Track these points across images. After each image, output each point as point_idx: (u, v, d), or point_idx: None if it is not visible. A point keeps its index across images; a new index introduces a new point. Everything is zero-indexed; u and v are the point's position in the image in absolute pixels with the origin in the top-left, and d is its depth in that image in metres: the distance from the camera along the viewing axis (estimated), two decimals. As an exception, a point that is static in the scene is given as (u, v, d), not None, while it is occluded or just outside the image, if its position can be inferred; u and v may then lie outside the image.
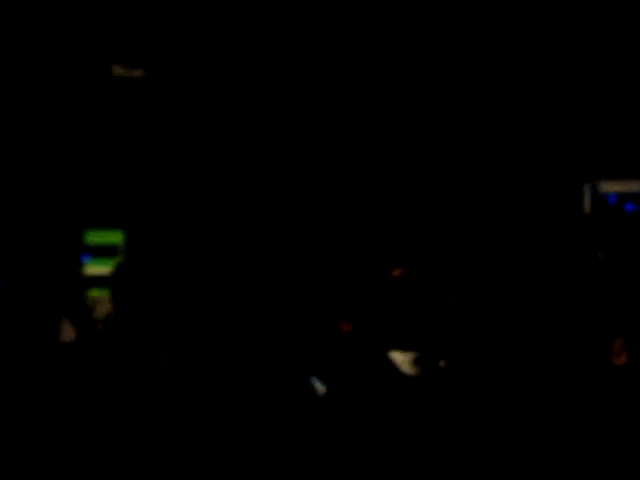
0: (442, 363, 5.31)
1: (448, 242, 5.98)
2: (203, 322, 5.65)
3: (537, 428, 4.80)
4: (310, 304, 5.71)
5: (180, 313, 5.71)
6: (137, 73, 5.62)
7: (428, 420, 4.93)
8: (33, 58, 5.51)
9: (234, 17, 5.81)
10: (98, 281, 5.92)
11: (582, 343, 5.31)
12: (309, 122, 6.13)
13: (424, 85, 6.15)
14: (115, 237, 5.94)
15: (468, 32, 6.08)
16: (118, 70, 5.60)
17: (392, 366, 5.31)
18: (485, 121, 6.15)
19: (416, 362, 5.47)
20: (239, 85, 5.97)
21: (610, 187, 6.16)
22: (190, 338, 5.56)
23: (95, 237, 5.97)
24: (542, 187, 6.13)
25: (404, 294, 5.42)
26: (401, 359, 5.49)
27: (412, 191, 6.16)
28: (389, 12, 6.08)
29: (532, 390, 5.07)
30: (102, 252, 5.97)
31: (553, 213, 6.12)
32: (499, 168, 6.15)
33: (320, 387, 5.12)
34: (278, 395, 5.10)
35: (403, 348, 5.51)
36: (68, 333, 5.26)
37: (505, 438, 4.75)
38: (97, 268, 5.95)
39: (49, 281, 5.67)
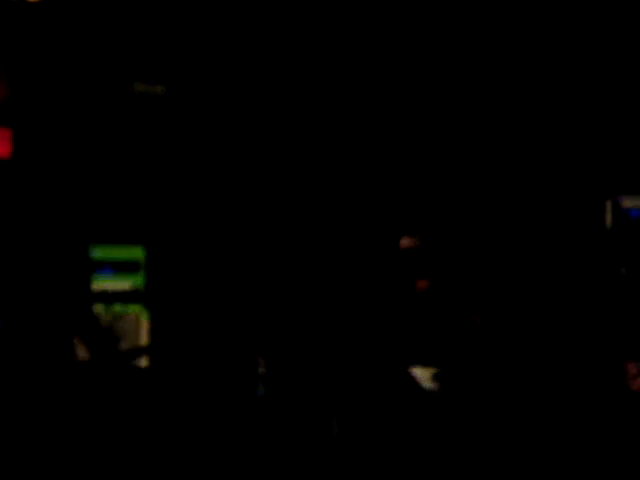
0: (462, 378, 5.29)
1: (471, 256, 5.96)
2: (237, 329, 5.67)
3: (554, 444, 4.78)
4: (333, 314, 5.70)
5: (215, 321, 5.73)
6: (158, 89, 5.65)
7: (446, 435, 4.91)
8: (54, 74, 5.54)
9: (252, 33, 5.83)
10: (119, 297, 5.94)
11: (602, 361, 5.28)
12: (321, 126, 6.13)
13: (452, 98, 6.16)
14: (136, 253, 5.95)
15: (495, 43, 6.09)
16: (139, 87, 5.63)
17: (414, 381, 5.29)
18: (507, 137, 6.14)
19: (437, 378, 5.44)
20: (259, 102, 5.98)
21: (632, 202, 6.13)
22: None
23: (115, 253, 5.98)
24: (564, 202, 6.10)
25: (427, 307, 5.39)
26: (422, 374, 5.46)
27: (432, 204, 6.14)
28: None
29: (550, 406, 5.05)
30: (123, 268, 5.98)
31: (575, 228, 6.09)
32: (521, 183, 6.13)
33: (260, 391, 5.17)
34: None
35: (424, 363, 5.48)
36: (81, 351, 5.26)
37: (523, 453, 4.73)
38: (118, 284, 5.96)
39: (56, 298, 5.65)
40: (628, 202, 6.12)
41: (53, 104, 5.70)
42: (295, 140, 6.09)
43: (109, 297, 5.91)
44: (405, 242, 5.60)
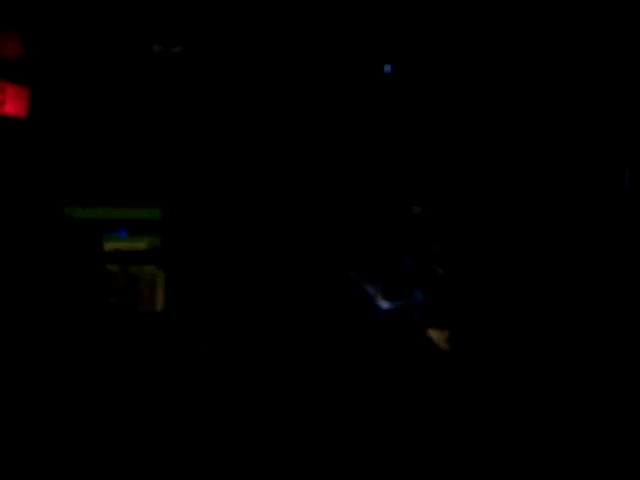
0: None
1: (488, 224, 5.98)
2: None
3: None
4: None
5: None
6: (176, 49, 5.63)
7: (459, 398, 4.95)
8: (72, 33, 5.52)
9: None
10: (134, 256, 5.94)
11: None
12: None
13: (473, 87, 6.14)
14: (152, 213, 5.95)
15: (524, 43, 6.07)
16: (157, 47, 5.61)
17: (430, 342, 5.33)
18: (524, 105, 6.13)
19: (450, 339, 5.49)
20: (272, 67, 5.97)
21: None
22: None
23: (131, 213, 5.98)
24: (582, 169, 6.10)
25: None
26: (437, 336, 5.51)
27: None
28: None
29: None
30: (138, 228, 5.98)
31: (593, 193, 6.08)
32: (541, 147, 6.13)
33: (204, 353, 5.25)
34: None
35: (439, 326, 5.52)
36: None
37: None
38: (133, 244, 5.96)
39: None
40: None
41: (70, 63, 5.68)
42: (309, 105, 6.08)
43: (124, 258, 5.92)
44: (416, 210, 5.66)
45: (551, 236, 5.99)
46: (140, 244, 5.93)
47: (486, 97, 6.16)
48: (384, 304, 5.56)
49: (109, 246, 5.90)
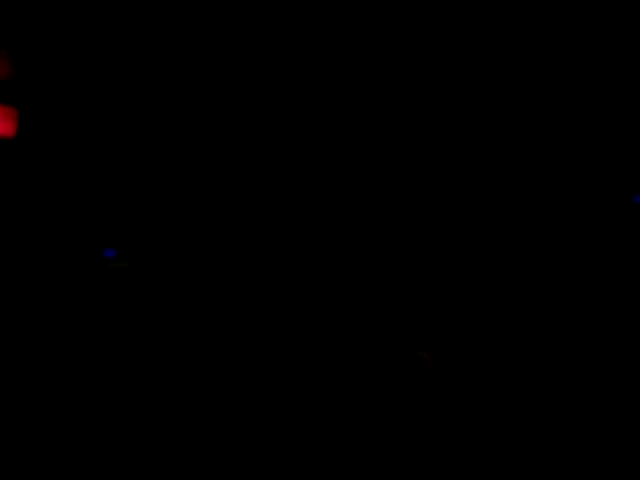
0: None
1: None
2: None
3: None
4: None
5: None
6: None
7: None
8: (64, 59, 5.58)
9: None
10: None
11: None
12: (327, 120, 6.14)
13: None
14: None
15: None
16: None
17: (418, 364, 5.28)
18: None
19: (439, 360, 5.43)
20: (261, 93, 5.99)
21: None
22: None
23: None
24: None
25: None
26: (424, 357, 5.44)
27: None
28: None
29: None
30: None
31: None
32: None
33: None
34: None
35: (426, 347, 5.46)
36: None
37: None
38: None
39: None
40: None
41: (60, 84, 5.72)
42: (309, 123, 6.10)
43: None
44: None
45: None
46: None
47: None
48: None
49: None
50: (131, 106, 5.74)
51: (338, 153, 6.25)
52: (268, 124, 6.14)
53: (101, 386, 4.98)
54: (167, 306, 5.74)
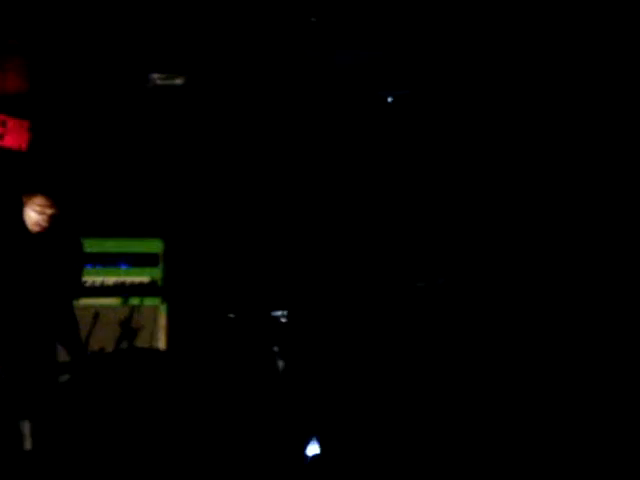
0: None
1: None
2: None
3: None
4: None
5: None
6: (177, 81, 5.62)
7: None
8: (77, 71, 5.49)
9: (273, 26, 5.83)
10: (137, 290, 5.90)
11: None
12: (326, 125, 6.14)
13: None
14: (154, 246, 5.91)
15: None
16: (158, 78, 5.60)
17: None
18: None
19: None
20: (277, 94, 5.97)
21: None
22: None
23: (132, 246, 5.94)
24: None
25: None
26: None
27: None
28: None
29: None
30: (141, 261, 5.94)
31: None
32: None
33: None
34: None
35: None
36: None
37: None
38: (135, 277, 5.92)
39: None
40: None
41: (72, 96, 5.64)
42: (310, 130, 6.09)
43: (125, 290, 5.87)
44: None
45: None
46: (142, 277, 5.89)
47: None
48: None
49: (109, 280, 5.86)
50: (142, 120, 5.69)
51: (338, 152, 6.26)
52: (269, 124, 6.12)
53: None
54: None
